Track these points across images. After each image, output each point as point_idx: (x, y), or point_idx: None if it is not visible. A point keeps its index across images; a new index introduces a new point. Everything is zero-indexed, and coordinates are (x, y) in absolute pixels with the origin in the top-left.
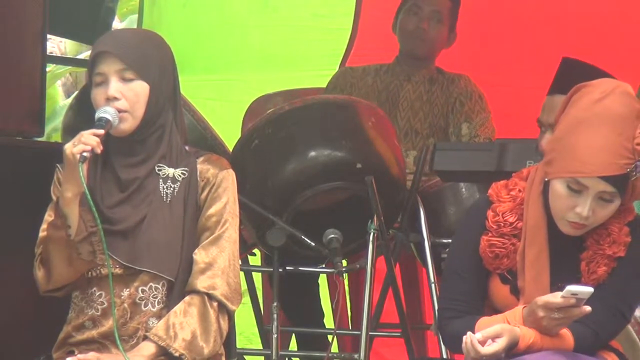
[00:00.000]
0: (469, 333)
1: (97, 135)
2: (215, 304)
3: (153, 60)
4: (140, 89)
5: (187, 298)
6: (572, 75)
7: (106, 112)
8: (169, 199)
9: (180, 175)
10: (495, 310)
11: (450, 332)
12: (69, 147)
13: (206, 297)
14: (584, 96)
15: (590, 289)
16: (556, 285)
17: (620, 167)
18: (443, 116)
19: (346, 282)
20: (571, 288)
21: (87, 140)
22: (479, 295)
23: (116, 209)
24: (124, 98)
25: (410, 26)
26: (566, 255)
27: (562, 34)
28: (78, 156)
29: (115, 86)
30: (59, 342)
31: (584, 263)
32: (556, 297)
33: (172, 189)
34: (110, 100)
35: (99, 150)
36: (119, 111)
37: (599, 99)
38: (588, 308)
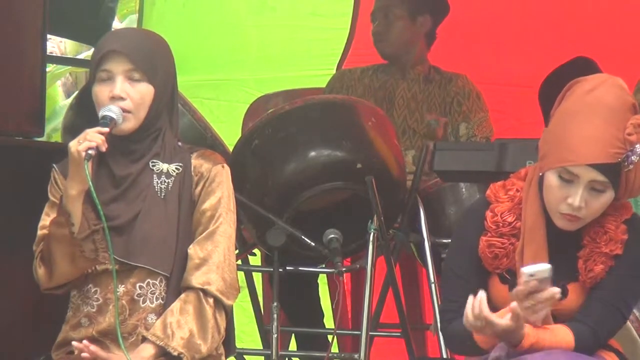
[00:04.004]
0: (480, 292)
1: (102, 134)
2: (211, 300)
3: (160, 64)
4: (146, 91)
5: (182, 295)
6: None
7: (110, 110)
8: (163, 194)
9: (174, 171)
10: (495, 310)
11: (450, 334)
12: (74, 145)
13: (202, 294)
14: (576, 90)
15: (547, 266)
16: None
17: (611, 155)
18: (441, 115)
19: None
20: (526, 270)
21: (93, 138)
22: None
23: (111, 206)
24: (129, 98)
25: (372, 34)
26: (564, 253)
27: (562, 33)
28: (84, 154)
29: (121, 86)
30: (58, 342)
31: (581, 261)
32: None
33: (166, 184)
34: (115, 99)
35: (104, 148)
36: (123, 111)
37: (589, 90)
38: (555, 289)
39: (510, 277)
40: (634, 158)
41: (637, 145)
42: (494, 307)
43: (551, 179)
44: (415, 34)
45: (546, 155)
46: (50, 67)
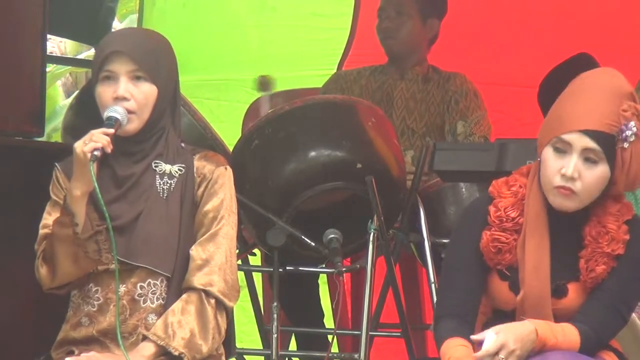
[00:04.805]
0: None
1: (107, 135)
2: (212, 300)
3: (163, 64)
4: (149, 91)
5: (184, 296)
6: None
7: (116, 111)
8: (165, 195)
9: (177, 172)
10: (494, 307)
11: (437, 333)
12: (79, 146)
13: (203, 294)
14: (575, 80)
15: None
16: (555, 283)
17: (604, 124)
18: (439, 115)
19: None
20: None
21: (98, 139)
22: (475, 292)
23: (113, 206)
24: (133, 99)
25: (380, 30)
26: (566, 253)
27: (562, 33)
28: (89, 155)
29: (125, 86)
30: (58, 342)
31: (582, 261)
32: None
33: (168, 184)
34: (119, 99)
35: (109, 149)
36: (127, 112)
37: (587, 75)
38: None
39: (510, 274)
40: (628, 133)
41: (632, 122)
42: (493, 304)
43: (546, 153)
44: (423, 35)
45: (542, 137)
46: (50, 67)
